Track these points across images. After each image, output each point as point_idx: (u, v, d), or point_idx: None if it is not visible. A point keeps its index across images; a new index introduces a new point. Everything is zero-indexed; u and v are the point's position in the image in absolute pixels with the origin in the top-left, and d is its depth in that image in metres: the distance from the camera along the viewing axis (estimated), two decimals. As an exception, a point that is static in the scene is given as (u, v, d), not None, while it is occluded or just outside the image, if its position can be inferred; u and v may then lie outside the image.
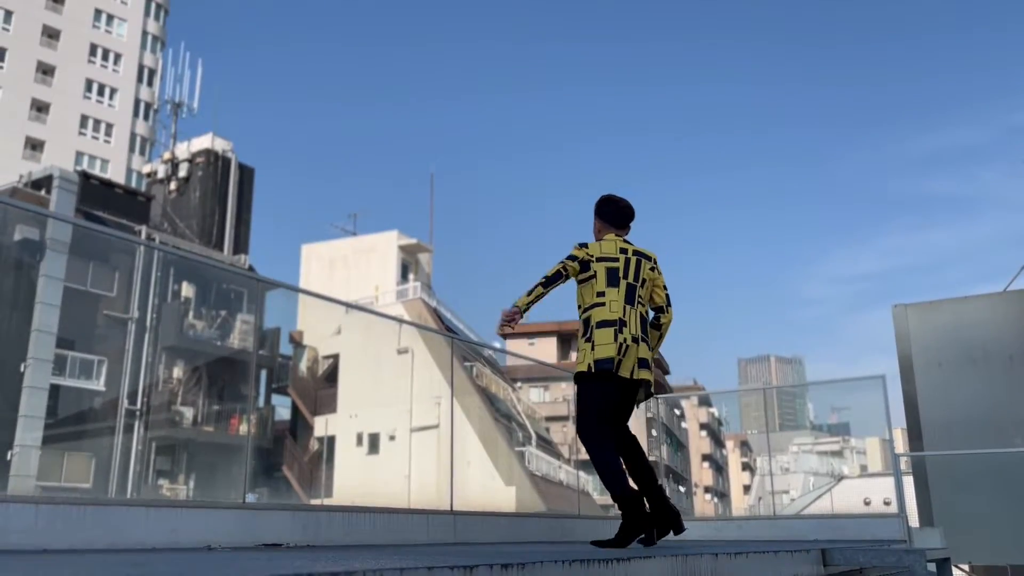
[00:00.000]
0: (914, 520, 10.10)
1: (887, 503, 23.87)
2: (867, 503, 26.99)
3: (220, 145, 39.49)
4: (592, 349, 4.23)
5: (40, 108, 45.90)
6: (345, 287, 39.20)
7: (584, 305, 4.36)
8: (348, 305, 7.89)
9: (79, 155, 45.79)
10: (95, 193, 29.47)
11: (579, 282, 4.38)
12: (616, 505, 4.06)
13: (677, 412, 52.63)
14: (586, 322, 4.32)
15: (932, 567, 5.37)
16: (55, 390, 25.01)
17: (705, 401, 63.33)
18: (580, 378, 4.27)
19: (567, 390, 40.46)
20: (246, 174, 40.00)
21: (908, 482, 10.76)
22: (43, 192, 27.59)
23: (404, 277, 42.64)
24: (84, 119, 47.08)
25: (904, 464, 10.47)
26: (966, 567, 10.89)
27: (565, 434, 40.93)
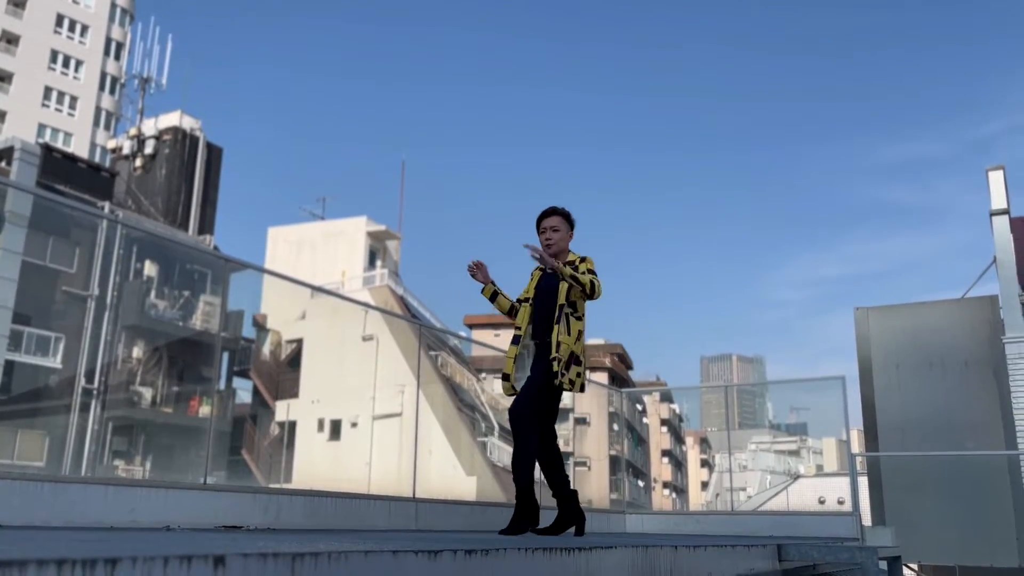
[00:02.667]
0: (867, 519, 10.30)
1: (841, 502, 24.31)
2: (822, 501, 27.47)
3: (188, 123, 38.87)
4: (583, 370, 4.51)
5: (3, 78, 44.80)
6: (311, 271, 38.87)
7: (581, 315, 4.54)
8: (315, 288, 7.81)
9: (42, 127, 44.77)
10: (57, 167, 28.86)
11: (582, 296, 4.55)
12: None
13: (639, 407, 53.03)
14: (579, 334, 4.52)
15: (883, 565, 5.49)
16: (9, 366, 24.52)
17: (667, 397, 63.88)
18: (554, 384, 4.43)
19: (531, 382, 40.51)
20: (214, 153, 39.43)
21: (862, 482, 10.98)
22: (3, 164, 26.96)
23: (372, 264, 42.39)
24: (48, 91, 46.01)
25: (859, 464, 10.68)
26: (915, 566, 11.15)
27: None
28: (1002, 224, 12.19)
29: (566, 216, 4.65)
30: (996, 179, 12.61)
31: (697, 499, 71.74)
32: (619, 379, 49.13)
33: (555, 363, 4.36)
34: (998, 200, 12.43)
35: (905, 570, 7.93)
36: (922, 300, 13.40)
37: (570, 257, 4.60)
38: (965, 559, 11.03)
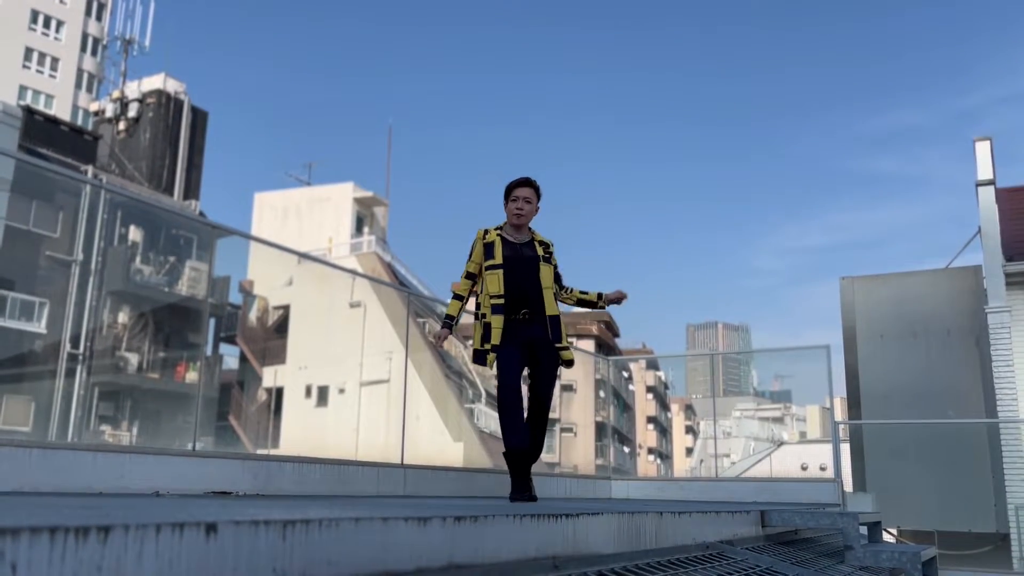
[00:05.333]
0: (848, 485, 10.47)
1: (823, 468, 24.66)
2: (804, 468, 27.86)
3: (172, 86, 38.34)
4: None
5: (-19, 38, 43.93)
6: (298, 238, 38.69)
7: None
8: (302, 255, 7.77)
9: (23, 89, 44.03)
10: (39, 129, 28.46)
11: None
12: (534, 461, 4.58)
13: (625, 374, 53.37)
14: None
15: (864, 530, 5.59)
16: (-7, 331, 24.39)
17: (653, 364, 64.30)
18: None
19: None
20: (199, 117, 38.96)
21: (844, 449, 11.13)
22: (-16, 126, 26.53)
23: (359, 230, 42.19)
24: (29, 52, 45.19)
25: (841, 432, 10.81)
26: (895, 531, 11.34)
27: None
28: (987, 195, 12.25)
29: (537, 190, 4.61)
30: (983, 149, 12.65)
31: (682, 465, 72.54)
32: (606, 347, 49.37)
33: (568, 352, 4.54)
34: (984, 170, 12.48)
35: (885, 535, 8.07)
36: (907, 270, 13.48)
37: (539, 236, 4.62)
38: (944, 524, 11.24)
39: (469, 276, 4.57)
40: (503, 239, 4.51)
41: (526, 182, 4.56)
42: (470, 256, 4.56)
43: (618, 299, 4.69)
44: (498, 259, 4.45)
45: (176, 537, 1.36)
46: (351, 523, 1.72)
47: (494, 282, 4.42)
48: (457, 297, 4.61)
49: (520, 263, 4.45)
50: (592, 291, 4.74)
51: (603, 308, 4.75)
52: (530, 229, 4.62)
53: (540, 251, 4.55)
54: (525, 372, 4.62)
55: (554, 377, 4.59)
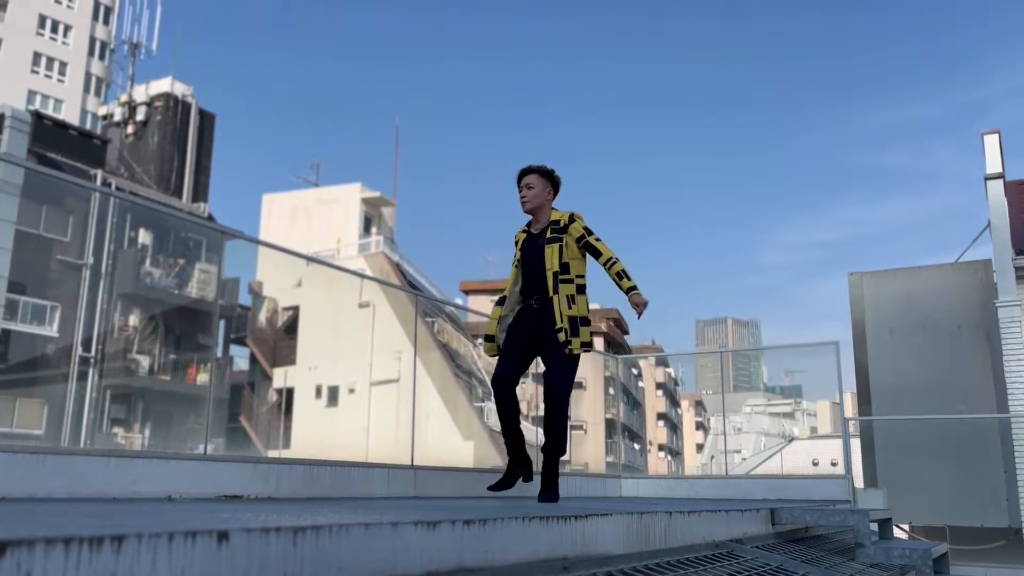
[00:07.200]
0: (859, 481, 10.44)
1: (834, 463, 24.59)
2: (815, 464, 27.78)
3: (180, 89, 38.47)
4: (590, 328, 4.48)
5: (-10, 43, 44.13)
6: (306, 238, 38.76)
7: (581, 276, 4.47)
8: (309, 259, 7.80)
9: (31, 94, 44.24)
10: (48, 134, 28.60)
11: (580, 251, 4.52)
12: (553, 459, 4.53)
13: (635, 371, 53.31)
14: (581, 289, 4.44)
15: (874, 527, 5.59)
16: (6, 335, 24.53)
17: (662, 361, 64.17)
18: (576, 355, 4.47)
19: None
20: (207, 120, 39.08)
21: (855, 444, 11.10)
22: (-6, 131, 26.68)
23: (367, 230, 42.25)
24: (37, 56, 45.40)
25: (852, 427, 10.78)
26: (906, 526, 11.31)
27: (523, 390, 41.28)
28: (997, 188, 12.18)
29: (543, 173, 4.53)
30: (991, 143, 12.58)
31: (692, 461, 72.34)
32: (615, 344, 49.32)
33: (562, 334, 4.30)
34: (993, 164, 12.41)
35: (896, 531, 8.06)
36: (916, 264, 13.42)
37: (554, 216, 4.48)
38: (955, 519, 11.20)
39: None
40: (527, 233, 4.58)
41: (528, 170, 4.56)
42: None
43: (637, 304, 4.37)
44: (517, 255, 4.58)
45: (189, 545, 1.37)
46: (361, 529, 1.74)
47: (511, 278, 4.59)
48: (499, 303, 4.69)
49: (532, 253, 4.48)
50: (627, 281, 4.39)
51: (627, 295, 4.40)
52: (554, 209, 4.55)
53: (549, 233, 4.44)
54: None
55: (558, 366, 4.37)
